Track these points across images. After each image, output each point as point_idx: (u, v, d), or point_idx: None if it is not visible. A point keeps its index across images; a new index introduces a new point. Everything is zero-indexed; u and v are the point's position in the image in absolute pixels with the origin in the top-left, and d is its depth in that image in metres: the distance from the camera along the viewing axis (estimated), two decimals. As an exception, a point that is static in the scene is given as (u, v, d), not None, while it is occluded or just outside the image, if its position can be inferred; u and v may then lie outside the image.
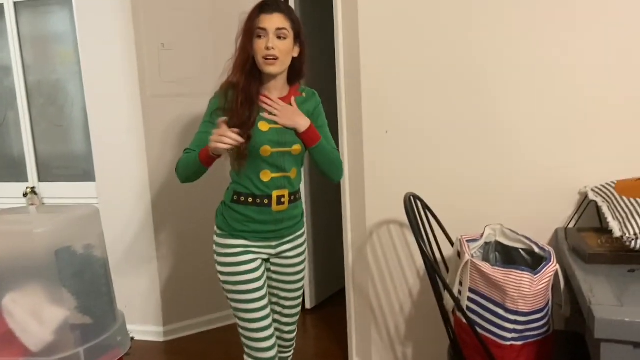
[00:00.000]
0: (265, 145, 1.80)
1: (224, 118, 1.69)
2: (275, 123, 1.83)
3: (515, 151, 2.25)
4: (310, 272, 3.44)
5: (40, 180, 3.30)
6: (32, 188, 3.27)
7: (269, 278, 1.99)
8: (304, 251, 2.03)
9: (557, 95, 2.17)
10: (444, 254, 2.24)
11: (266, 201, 1.85)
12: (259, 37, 1.76)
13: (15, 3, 3.12)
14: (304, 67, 1.92)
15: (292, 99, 1.90)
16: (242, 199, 1.86)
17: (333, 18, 2.54)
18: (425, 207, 2.16)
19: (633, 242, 1.71)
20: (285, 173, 1.86)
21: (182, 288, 3.16)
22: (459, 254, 1.90)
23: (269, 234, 1.89)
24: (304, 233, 2.04)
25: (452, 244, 2.21)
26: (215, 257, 1.90)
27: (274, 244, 1.92)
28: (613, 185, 1.98)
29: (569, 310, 1.78)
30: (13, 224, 1.83)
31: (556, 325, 1.90)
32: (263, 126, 1.81)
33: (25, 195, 3.26)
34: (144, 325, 3.14)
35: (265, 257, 1.93)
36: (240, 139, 1.64)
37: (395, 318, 2.58)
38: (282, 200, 1.86)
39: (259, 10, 1.78)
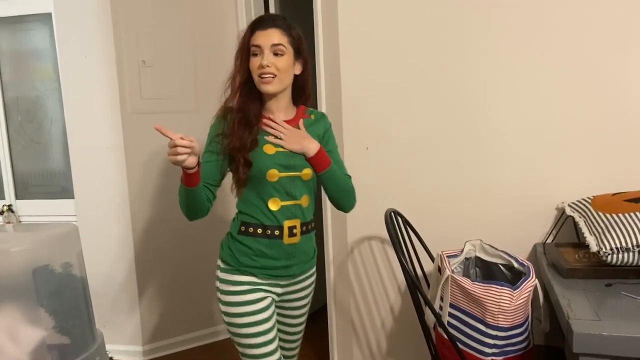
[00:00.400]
0: (272, 169, 1.64)
1: (159, 125, 1.50)
2: (281, 146, 1.68)
3: (494, 167, 2.28)
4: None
5: (17, 197, 3.25)
6: (9, 206, 3.22)
7: None
8: (311, 292, 1.87)
9: (534, 113, 2.20)
10: (425, 269, 2.25)
11: (277, 232, 1.67)
12: (255, 54, 1.64)
13: (-6, 19, 3.10)
14: (308, 86, 1.79)
15: (300, 121, 1.75)
16: (251, 230, 1.67)
17: (314, 33, 2.56)
18: (406, 222, 2.17)
19: (609, 257, 1.74)
20: (296, 200, 1.69)
21: (162, 306, 3.12)
22: (440, 270, 1.91)
23: (280, 270, 1.70)
24: (315, 272, 1.87)
25: (432, 259, 2.22)
26: (219, 294, 1.70)
27: (283, 283, 1.74)
28: (589, 200, 2.01)
29: (548, 324, 1.80)
30: (-11, 242, 1.80)
31: (536, 340, 1.91)
32: (269, 149, 1.66)
33: (1, 213, 3.21)
34: (123, 345, 3.09)
35: (274, 296, 1.74)
36: (191, 143, 1.44)
37: (376, 334, 2.57)
38: (294, 231, 1.69)
39: (254, 26, 1.66)
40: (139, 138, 2.94)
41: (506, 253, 1.93)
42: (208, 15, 3.08)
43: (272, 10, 3.18)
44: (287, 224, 1.67)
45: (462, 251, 2.01)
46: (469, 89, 2.28)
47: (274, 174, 1.64)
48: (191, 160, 1.48)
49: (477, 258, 2.03)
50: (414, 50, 2.33)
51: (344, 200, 1.78)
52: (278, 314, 1.81)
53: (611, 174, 2.13)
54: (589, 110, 2.14)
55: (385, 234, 2.18)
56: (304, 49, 1.71)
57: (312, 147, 1.68)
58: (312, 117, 1.81)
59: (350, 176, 1.81)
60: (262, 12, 3.18)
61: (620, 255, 1.73)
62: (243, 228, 1.69)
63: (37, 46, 3.10)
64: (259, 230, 1.67)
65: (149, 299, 3.08)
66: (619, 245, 1.73)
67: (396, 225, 2.01)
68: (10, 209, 3.22)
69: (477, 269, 2.05)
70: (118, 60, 2.85)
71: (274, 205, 1.66)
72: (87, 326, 1.92)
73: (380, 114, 2.41)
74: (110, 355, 2.57)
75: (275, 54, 1.63)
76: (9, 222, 3.20)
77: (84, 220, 3.02)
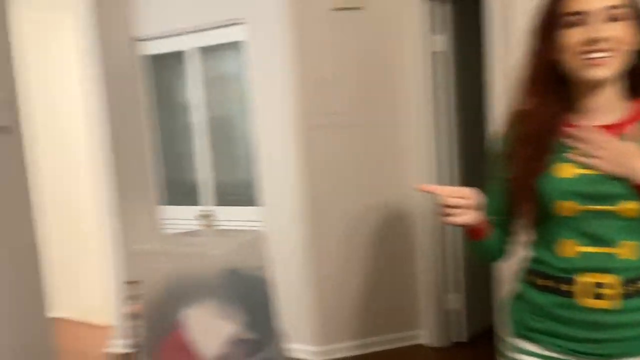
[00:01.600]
0: (566, 201, 1.11)
1: (422, 185, 1.14)
2: (588, 166, 1.10)
3: None
4: (464, 299, 3.34)
5: (215, 204, 3.60)
6: (208, 211, 3.58)
7: None
8: None
9: None
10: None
11: (565, 288, 1.12)
12: (571, 26, 1.07)
13: (198, 49, 3.50)
14: None
15: (630, 126, 1.12)
16: (535, 280, 1.19)
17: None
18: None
19: None
20: (608, 248, 1.09)
21: (340, 311, 3.24)
22: None
23: (580, 344, 1.13)
24: None
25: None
26: None
27: None
28: None
29: None
30: (191, 246, 2.07)
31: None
32: (565, 170, 1.12)
33: (202, 217, 3.58)
34: (301, 344, 3.24)
35: None
36: (460, 201, 1.10)
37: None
38: (600, 292, 1.09)
39: None
40: (318, 151, 3.13)
41: None
42: (382, 34, 3.19)
43: (439, 18, 3.14)
44: (583, 278, 1.10)
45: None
46: None
47: (570, 207, 1.11)
48: (466, 218, 1.13)
49: None
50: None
51: None
52: None
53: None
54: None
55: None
56: None
57: None
58: None
59: None
60: (439, 34, 3.15)
61: None
62: (528, 275, 1.23)
63: (231, 71, 3.47)
64: (542, 282, 1.18)
65: (328, 304, 3.20)
66: None
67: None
68: (209, 214, 3.57)
69: None
70: (300, 79, 3.07)
71: (564, 250, 1.13)
72: (272, 324, 2.09)
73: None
74: (292, 354, 2.69)
75: (611, 20, 1.06)
76: (207, 227, 3.57)
77: (268, 227, 3.27)
